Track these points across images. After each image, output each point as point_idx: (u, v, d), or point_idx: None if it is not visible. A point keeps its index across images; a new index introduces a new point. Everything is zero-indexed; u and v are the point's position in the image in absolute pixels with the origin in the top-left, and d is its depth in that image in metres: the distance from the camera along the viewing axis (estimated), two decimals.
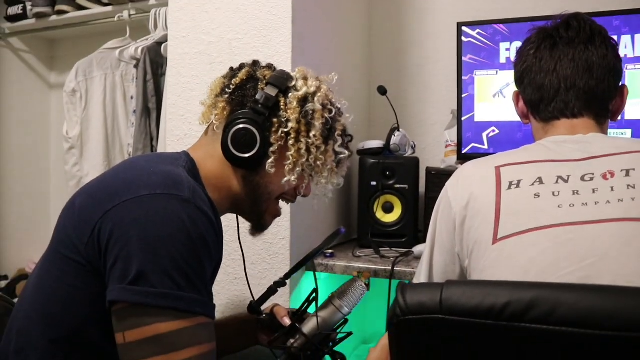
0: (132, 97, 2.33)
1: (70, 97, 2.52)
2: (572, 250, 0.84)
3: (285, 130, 1.08)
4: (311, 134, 1.09)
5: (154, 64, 2.23)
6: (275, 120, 1.08)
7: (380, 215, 1.79)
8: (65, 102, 2.54)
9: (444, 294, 0.70)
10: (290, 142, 1.08)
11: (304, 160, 1.09)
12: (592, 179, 0.91)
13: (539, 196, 0.92)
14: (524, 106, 1.17)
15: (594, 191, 0.89)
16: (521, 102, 1.18)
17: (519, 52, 1.18)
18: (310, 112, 1.09)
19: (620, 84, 1.13)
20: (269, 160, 1.08)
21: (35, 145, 3.01)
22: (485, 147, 1.81)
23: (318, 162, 1.11)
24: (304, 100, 1.10)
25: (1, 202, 2.87)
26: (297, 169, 1.09)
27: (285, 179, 1.09)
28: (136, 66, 2.27)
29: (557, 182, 0.92)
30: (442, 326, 0.70)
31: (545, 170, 0.95)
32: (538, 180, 0.94)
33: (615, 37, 1.62)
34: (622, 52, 1.63)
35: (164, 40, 2.15)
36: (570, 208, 0.89)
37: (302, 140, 1.08)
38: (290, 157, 1.08)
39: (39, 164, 3.03)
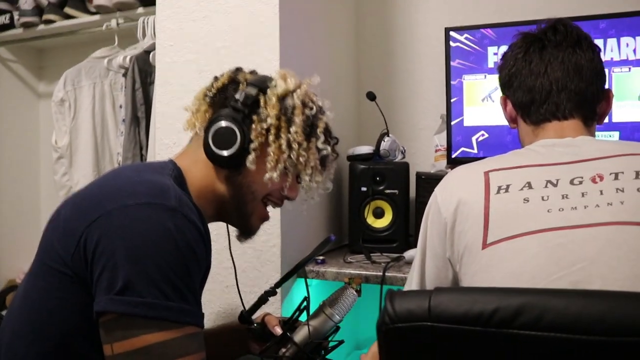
0: (121, 106, 2.32)
1: (58, 106, 2.50)
2: (562, 255, 0.84)
3: (265, 126, 1.08)
4: (292, 130, 1.09)
5: (143, 73, 2.22)
6: (255, 117, 1.08)
7: (371, 220, 1.79)
8: (54, 111, 2.52)
9: (432, 301, 0.70)
10: (271, 138, 1.08)
11: (285, 156, 1.09)
12: (581, 182, 0.91)
13: (528, 201, 0.92)
14: (512, 110, 1.17)
15: (583, 195, 0.89)
16: (509, 106, 1.18)
17: (505, 56, 1.19)
18: (290, 108, 1.09)
19: (605, 87, 1.14)
20: (250, 157, 1.07)
21: (24, 155, 2.98)
22: (475, 151, 1.82)
23: (300, 159, 1.10)
24: (283, 97, 1.10)
25: None
26: (279, 165, 1.09)
27: (267, 175, 1.08)
28: (125, 75, 2.26)
29: (546, 186, 0.92)
30: (431, 333, 0.69)
31: (535, 175, 0.95)
32: (527, 184, 0.94)
33: (601, 41, 1.64)
34: (608, 55, 1.64)
35: (152, 48, 2.13)
36: (559, 212, 0.89)
37: (283, 136, 1.08)
38: (272, 154, 1.08)
39: (29, 173, 3.00)
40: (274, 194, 1.16)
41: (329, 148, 1.16)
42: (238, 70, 1.17)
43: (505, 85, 1.18)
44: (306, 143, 1.11)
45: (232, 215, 1.16)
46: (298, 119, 1.09)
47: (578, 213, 0.87)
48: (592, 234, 0.85)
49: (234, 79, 1.13)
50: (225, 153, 1.07)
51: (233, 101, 1.09)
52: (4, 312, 1.13)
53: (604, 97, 1.13)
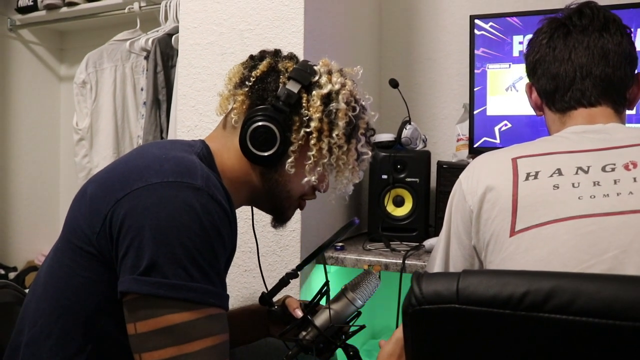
0: (142, 89, 2.32)
1: (80, 88, 2.52)
2: (593, 243, 0.82)
3: (307, 130, 1.04)
4: (334, 134, 1.04)
5: (164, 56, 2.22)
6: (296, 118, 1.04)
7: (390, 208, 1.78)
8: (76, 93, 2.54)
9: (461, 283, 0.68)
10: (312, 141, 1.04)
11: (325, 160, 1.05)
12: (613, 169, 0.89)
13: (558, 187, 0.90)
14: (538, 97, 1.15)
15: (615, 182, 0.87)
16: (534, 94, 1.16)
17: (531, 42, 1.16)
18: (334, 111, 1.04)
19: (637, 71, 1.11)
20: (289, 160, 1.04)
21: (45, 137, 3.01)
22: (497, 141, 1.80)
23: (340, 162, 1.07)
24: (327, 98, 1.05)
25: (11, 194, 2.87)
26: (318, 168, 1.06)
27: (306, 179, 1.06)
28: (146, 58, 2.26)
29: (576, 173, 0.90)
30: (458, 316, 0.68)
31: (564, 161, 0.93)
32: (557, 171, 0.92)
33: None
34: None
35: (174, 31, 2.14)
36: (591, 199, 0.86)
37: (325, 140, 1.04)
38: (311, 157, 1.04)
39: (49, 155, 3.03)
40: (309, 191, 1.14)
41: (369, 152, 1.12)
42: (277, 54, 1.11)
43: (530, 72, 1.16)
44: (347, 145, 1.07)
45: (265, 205, 1.14)
46: (341, 123, 1.04)
47: (610, 200, 0.85)
48: (625, 221, 0.83)
49: (273, 68, 1.07)
50: (263, 154, 1.03)
51: (274, 98, 1.04)
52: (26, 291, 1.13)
53: (635, 82, 1.10)
